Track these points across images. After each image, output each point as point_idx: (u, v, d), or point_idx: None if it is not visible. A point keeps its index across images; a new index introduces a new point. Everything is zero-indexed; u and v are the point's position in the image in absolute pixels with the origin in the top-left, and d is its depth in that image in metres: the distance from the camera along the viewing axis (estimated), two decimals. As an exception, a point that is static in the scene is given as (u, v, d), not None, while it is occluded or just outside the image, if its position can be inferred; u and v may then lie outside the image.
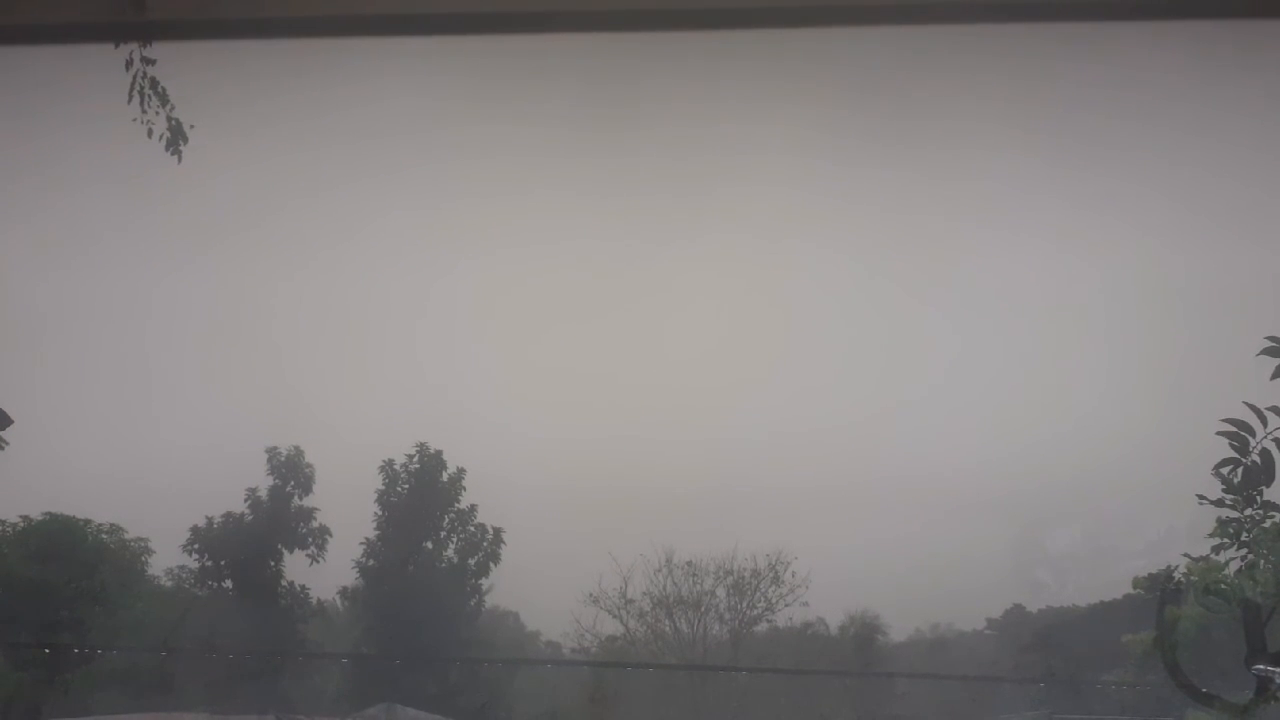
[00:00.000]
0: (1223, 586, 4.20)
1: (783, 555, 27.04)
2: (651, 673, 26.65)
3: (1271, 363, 3.79)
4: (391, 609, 24.59)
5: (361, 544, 25.78)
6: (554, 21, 3.28)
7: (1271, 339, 3.81)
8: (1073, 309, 23.38)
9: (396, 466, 26.08)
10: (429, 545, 25.94)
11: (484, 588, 25.97)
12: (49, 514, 23.60)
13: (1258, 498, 4.01)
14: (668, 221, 23.24)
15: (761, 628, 27.84)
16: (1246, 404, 3.87)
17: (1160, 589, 4.71)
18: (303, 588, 25.27)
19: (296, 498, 25.50)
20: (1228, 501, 4.05)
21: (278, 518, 25.21)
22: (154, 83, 4.48)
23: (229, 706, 20.80)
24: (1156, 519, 24.40)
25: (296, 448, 25.47)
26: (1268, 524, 4.06)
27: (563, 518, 24.71)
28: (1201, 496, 4.08)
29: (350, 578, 25.96)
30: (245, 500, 25.37)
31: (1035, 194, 20.83)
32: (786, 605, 27.26)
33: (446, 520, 26.08)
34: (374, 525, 25.88)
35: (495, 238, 24.14)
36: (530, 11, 3.22)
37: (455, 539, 26.08)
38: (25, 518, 23.62)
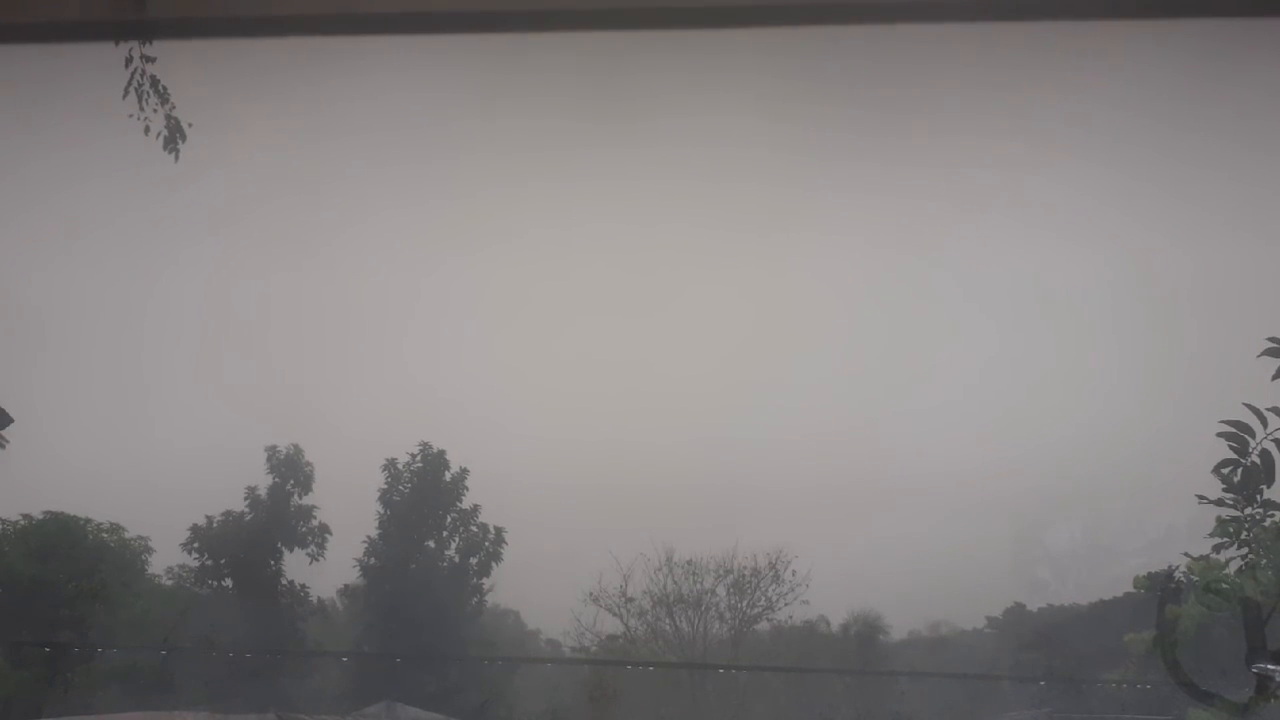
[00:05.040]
0: (1223, 585, 4.19)
1: (783, 554, 27.06)
2: (652, 671, 26.63)
3: (1272, 363, 3.79)
4: (392, 607, 24.62)
5: (363, 542, 25.84)
6: (552, 20, 3.28)
7: (1273, 340, 3.81)
8: (1073, 309, 23.37)
9: (399, 465, 26.12)
10: (431, 544, 25.97)
11: (485, 587, 26.01)
12: (49, 513, 23.66)
13: (1258, 497, 4.00)
14: (670, 221, 23.22)
15: (762, 626, 27.84)
16: (1246, 405, 3.87)
17: (1161, 588, 4.72)
18: (303, 586, 25.32)
19: (296, 496, 25.54)
20: (1228, 501, 4.05)
21: (278, 516, 25.24)
22: (154, 81, 4.46)
23: (229, 705, 20.77)
24: (1157, 518, 24.39)
25: (296, 446, 25.52)
26: (1268, 523, 4.06)
27: (563, 517, 24.68)
28: (1201, 496, 4.08)
29: (351, 576, 26.03)
30: (245, 499, 25.41)
31: (1036, 195, 20.82)
32: (787, 604, 27.28)
33: (449, 520, 26.11)
34: (376, 524, 25.95)
35: (496, 237, 24.14)
36: (529, 11, 3.21)
37: (457, 538, 26.12)
38: (26, 516, 23.70)
